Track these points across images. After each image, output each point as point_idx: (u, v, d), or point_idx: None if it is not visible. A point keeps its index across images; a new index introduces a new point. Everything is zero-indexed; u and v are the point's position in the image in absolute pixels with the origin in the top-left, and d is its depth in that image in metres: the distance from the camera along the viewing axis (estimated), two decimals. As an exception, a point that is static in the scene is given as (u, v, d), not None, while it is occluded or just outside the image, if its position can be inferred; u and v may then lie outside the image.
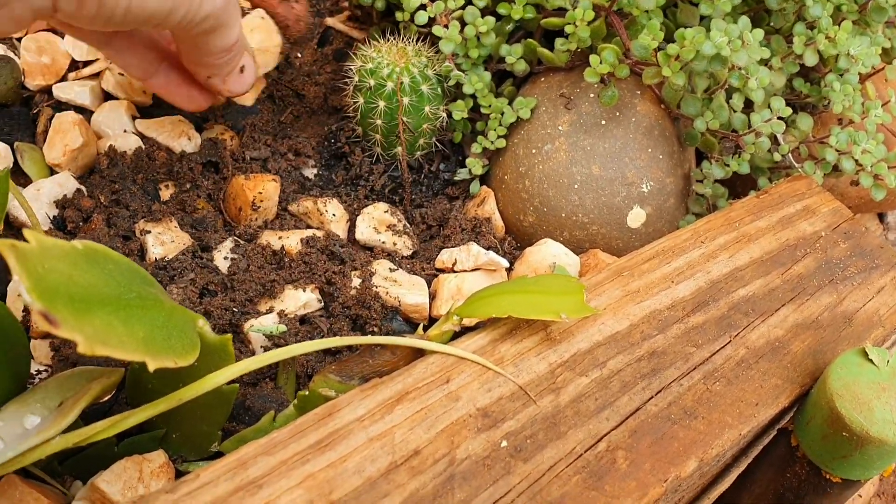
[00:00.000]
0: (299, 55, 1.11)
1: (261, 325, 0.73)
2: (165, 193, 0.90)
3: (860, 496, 1.16)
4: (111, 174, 0.90)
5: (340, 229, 0.91)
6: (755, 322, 0.70)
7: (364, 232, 0.89)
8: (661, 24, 0.83)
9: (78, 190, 0.88)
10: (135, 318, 0.54)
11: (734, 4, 0.79)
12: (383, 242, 0.89)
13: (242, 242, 0.86)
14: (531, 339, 0.64)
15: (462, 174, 0.94)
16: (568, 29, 0.82)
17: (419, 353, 0.63)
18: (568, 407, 0.61)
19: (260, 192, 0.87)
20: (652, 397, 0.63)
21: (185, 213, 0.88)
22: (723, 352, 0.68)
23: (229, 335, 0.60)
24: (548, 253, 0.83)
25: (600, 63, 0.79)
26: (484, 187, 0.93)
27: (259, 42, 1.05)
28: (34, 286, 0.47)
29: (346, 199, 0.95)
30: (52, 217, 0.86)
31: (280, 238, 0.86)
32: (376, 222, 0.90)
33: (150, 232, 0.83)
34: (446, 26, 0.86)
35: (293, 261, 0.84)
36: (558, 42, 0.85)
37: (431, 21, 0.88)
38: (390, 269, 0.84)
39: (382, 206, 0.91)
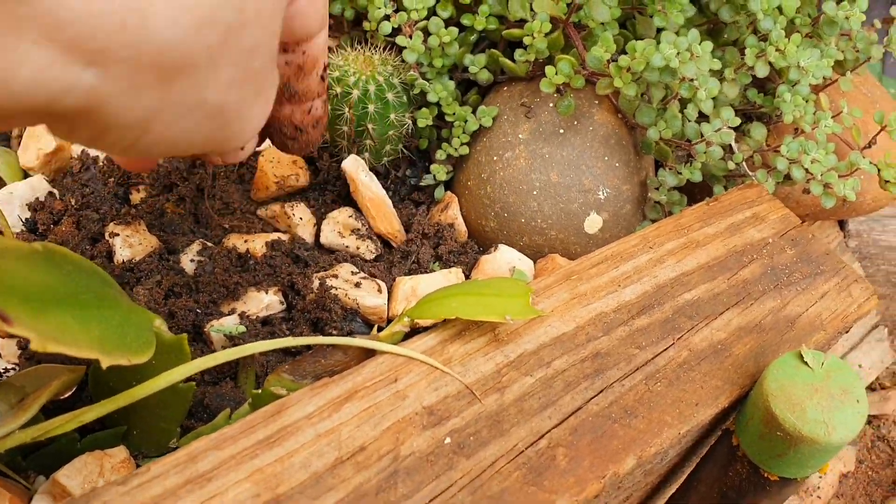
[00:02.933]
0: (273, 62, 1.14)
1: (221, 326, 0.75)
2: (136, 197, 0.92)
3: (819, 498, 1.19)
4: (83, 178, 0.92)
5: (307, 233, 0.93)
6: (699, 325, 0.73)
7: (329, 236, 0.91)
8: (617, 35, 0.85)
9: (50, 193, 0.90)
10: (90, 317, 0.56)
11: (688, 17, 0.82)
12: (347, 247, 0.91)
13: (210, 245, 0.88)
14: (479, 340, 0.66)
15: (427, 180, 0.97)
16: (526, 40, 0.84)
17: (371, 354, 0.65)
18: (512, 405, 0.63)
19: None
20: (594, 397, 0.66)
21: (154, 216, 0.90)
22: (665, 353, 0.70)
23: (185, 335, 0.62)
24: (503, 260, 0.86)
25: (556, 74, 0.81)
26: (448, 193, 0.96)
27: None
28: (-11, 286, 0.49)
29: (314, 204, 0.97)
30: (24, 219, 0.89)
31: (246, 241, 0.88)
32: (341, 227, 0.92)
33: (118, 235, 0.85)
34: (410, 36, 0.88)
35: (258, 263, 0.86)
36: (518, 53, 0.88)
37: (396, 31, 0.90)
38: (352, 272, 0.86)
39: (347, 210, 0.94)
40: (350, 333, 0.80)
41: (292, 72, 0.68)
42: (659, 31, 0.88)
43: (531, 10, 0.89)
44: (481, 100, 0.98)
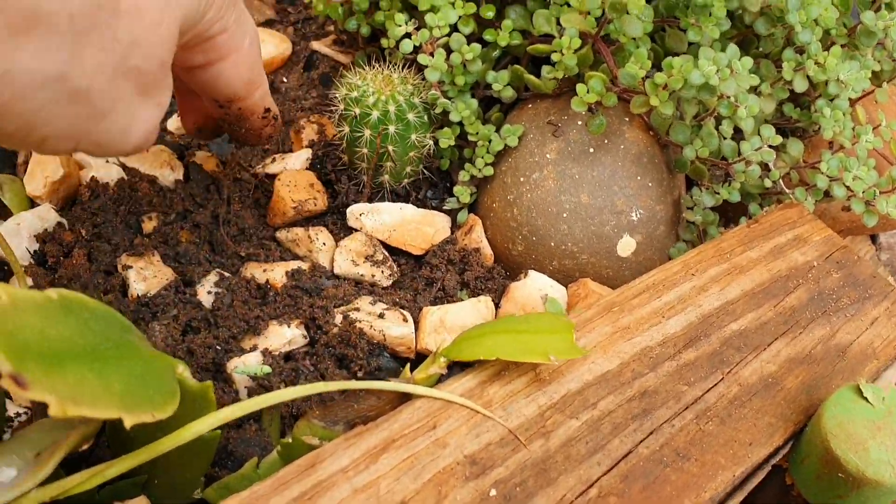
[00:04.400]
0: (285, 80, 1.10)
1: (245, 367, 0.71)
2: (148, 226, 0.88)
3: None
4: (93, 206, 0.89)
5: (327, 259, 0.90)
6: (748, 357, 0.69)
7: (342, 265, 0.88)
8: (648, 50, 0.81)
9: (59, 223, 0.87)
10: (111, 370, 0.52)
11: (722, 31, 0.78)
12: (362, 275, 0.87)
13: (227, 276, 0.85)
14: (520, 381, 0.63)
15: (450, 203, 0.93)
16: (554, 57, 0.81)
17: (406, 396, 0.61)
18: (558, 451, 0.60)
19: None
20: (644, 439, 0.62)
21: (168, 246, 0.86)
22: (715, 389, 0.67)
23: (209, 383, 0.58)
24: (533, 287, 0.82)
25: (587, 92, 0.78)
26: (472, 215, 0.92)
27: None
28: (4, 346, 0.45)
29: (333, 229, 0.93)
30: (32, 251, 0.85)
31: (265, 271, 0.85)
32: (353, 254, 0.88)
33: (131, 267, 0.81)
34: (431, 54, 0.84)
35: (278, 295, 0.82)
36: (545, 70, 0.84)
37: (417, 49, 0.87)
38: (370, 302, 0.82)
39: (359, 236, 0.90)
40: (378, 369, 0.76)
41: (232, 119, 0.78)
42: (690, 44, 0.84)
43: (557, 24, 0.86)
44: (504, 118, 0.95)
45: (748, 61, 0.74)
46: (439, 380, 0.64)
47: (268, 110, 0.81)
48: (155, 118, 0.60)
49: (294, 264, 0.86)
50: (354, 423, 0.61)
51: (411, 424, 0.58)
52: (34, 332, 0.49)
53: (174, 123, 1.01)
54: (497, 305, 0.84)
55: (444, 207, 0.94)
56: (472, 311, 0.80)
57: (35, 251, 0.85)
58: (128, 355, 0.55)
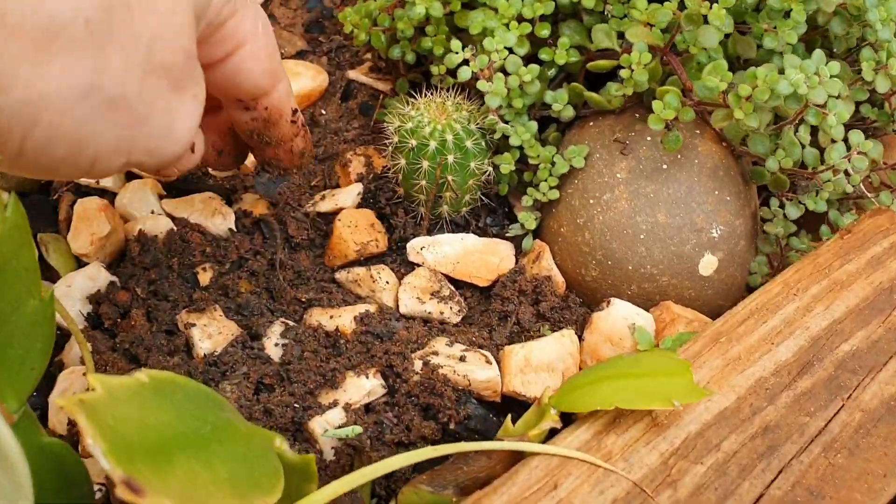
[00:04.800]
0: (324, 112, 1.06)
1: (335, 431, 0.67)
2: (204, 277, 0.84)
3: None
4: (143, 261, 0.85)
5: (391, 299, 0.85)
6: (865, 381, 0.65)
7: (408, 304, 0.84)
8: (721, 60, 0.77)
9: (111, 283, 0.83)
10: (215, 456, 0.48)
11: (800, 34, 0.74)
12: (429, 312, 0.83)
13: (292, 324, 0.81)
14: (637, 427, 0.59)
15: (514, 230, 0.89)
16: (623, 73, 0.77)
17: (518, 454, 0.57)
18: (688, 501, 0.55)
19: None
20: (773, 480, 0.58)
21: (229, 297, 0.82)
22: (837, 418, 0.62)
23: (311, 456, 0.54)
24: (618, 316, 0.78)
25: (664, 108, 0.74)
26: (538, 241, 0.88)
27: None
28: (110, 447, 0.41)
29: (393, 265, 0.89)
30: (86, 314, 0.81)
31: (332, 318, 0.81)
32: (419, 291, 0.84)
33: (194, 325, 0.77)
34: (489, 79, 0.81)
35: (349, 342, 0.78)
36: (612, 87, 0.80)
37: (474, 76, 0.83)
38: (447, 343, 0.78)
39: (423, 272, 0.86)
40: (467, 418, 0.72)
41: (260, 125, 0.74)
42: (758, 47, 0.80)
43: (619, 38, 0.82)
44: (561, 137, 0.91)
45: (835, 66, 0.71)
46: (550, 433, 0.59)
47: (295, 111, 0.77)
48: (195, 112, 0.60)
49: (361, 308, 0.82)
50: (465, 487, 0.57)
51: (531, 486, 0.54)
52: (135, 425, 0.45)
53: (216, 166, 0.97)
54: (580, 338, 0.80)
55: (507, 234, 0.90)
56: (556, 346, 0.76)
57: (89, 313, 0.81)
58: (228, 436, 0.51)
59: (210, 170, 0.98)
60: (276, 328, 0.80)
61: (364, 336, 0.79)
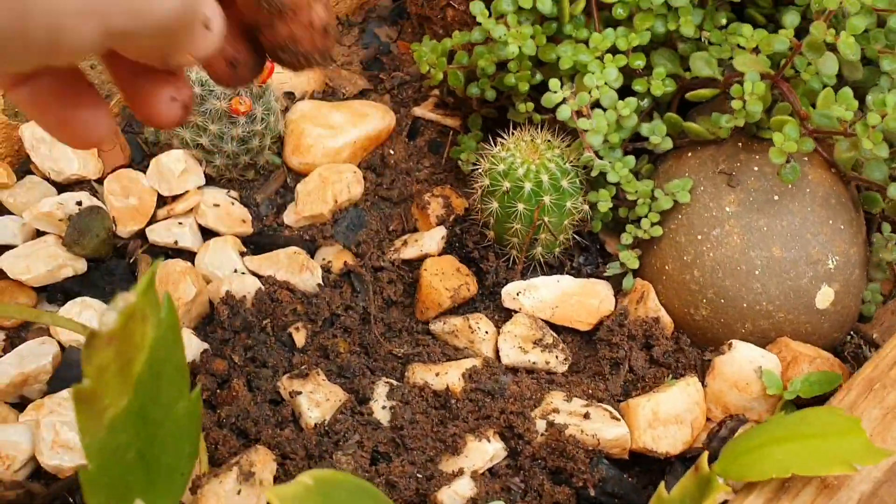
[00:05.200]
0: (392, 152, 1.03)
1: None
2: (300, 338, 0.81)
3: None
4: (234, 324, 0.81)
5: (490, 349, 0.82)
6: None
7: (510, 354, 0.80)
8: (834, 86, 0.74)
9: (204, 350, 0.79)
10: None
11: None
12: (534, 362, 0.80)
13: (396, 384, 0.77)
14: (808, 492, 0.55)
15: (612, 269, 0.85)
16: (735, 104, 0.73)
17: (687, 529, 0.54)
18: (878, 572, 0.52)
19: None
20: (960, 541, 0.54)
21: (329, 359, 0.79)
22: None
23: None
24: (743, 360, 0.75)
25: (785, 140, 0.70)
26: (639, 280, 0.85)
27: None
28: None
29: (487, 312, 0.86)
30: (181, 385, 0.77)
31: (438, 375, 0.77)
32: (520, 340, 0.81)
33: (300, 392, 0.74)
34: (588, 116, 0.77)
35: (459, 401, 0.75)
36: (722, 118, 0.77)
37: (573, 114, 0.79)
38: (564, 398, 0.75)
39: (522, 318, 0.82)
40: (602, 481, 0.68)
41: (277, 7, 0.54)
42: (867, 62, 0.77)
43: (719, 66, 0.78)
44: (654, 169, 0.87)
45: (966, 87, 0.67)
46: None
47: None
48: None
49: (467, 363, 0.78)
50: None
51: (714, 566, 0.51)
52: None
53: (292, 217, 0.94)
54: (703, 384, 0.76)
55: (605, 274, 0.86)
56: (683, 397, 0.73)
57: (184, 384, 0.78)
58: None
59: (286, 214, 0.94)
60: (381, 389, 0.76)
61: (474, 394, 0.75)
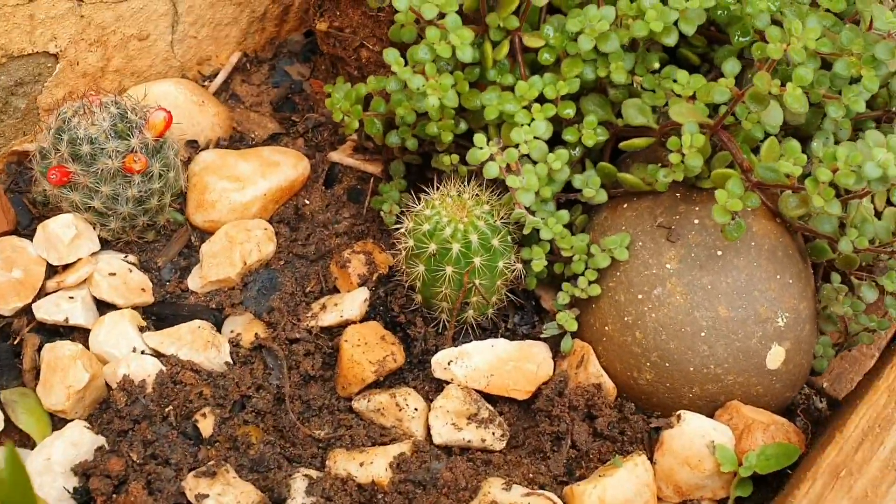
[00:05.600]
0: (307, 202, 0.95)
1: None
2: (206, 426, 0.72)
3: None
4: (132, 413, 0.73)
5: (421, 426, 0.75)
6: None
7: (442, 433, 0.74)
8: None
9: (99, 447, 0.70)
10: None
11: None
12: (469, 441, 0.74)
13: (316, 476, 0.69)
14: None
15: (550, 329, 0.79)
16: (673, 158, 0.68)
17: None
18: None
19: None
20: None
21: (239, 451, 0.71)
22: None
23: None
24: (693, 434, 0.69)
25: (729, 198, 0.65)
26: (578, 342, 0.79)
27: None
28: None
29: (416, 383, 0.79)
30: (72, 490, 0.69)
31: (362, 465, 0.70)
32: (453, 416, 0.74)
33: (207, 496, 0.66)
34: (517, 172, 0.71)
35: (387, 495, 0.68)
36: (660, 172, 0.71)
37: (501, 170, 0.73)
38: (503, 486, 0.68)
39: (454, 391, 0.76)
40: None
41: None
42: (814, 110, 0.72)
43: (653, 113, 0.73)
44: (588, 220, 0.82)
45: (919, 139, 0.63)
46: None
47: None
48: None
49: (395, 449, 0.71)
50: None
51: None
52: None
53: (196, 281, 0.85)
54: (651, 461, 0.70)
55: (542, 336, 0.80)
56: (631, 479, 0.67)
57: (76, 489, 0.69)
58: None
59: (190, 279, 0.85)
60: (300, 484, 0.68)
61: (404, 485, 0.68)
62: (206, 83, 1.03)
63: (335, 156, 0.97)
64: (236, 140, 0.98)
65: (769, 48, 0.62)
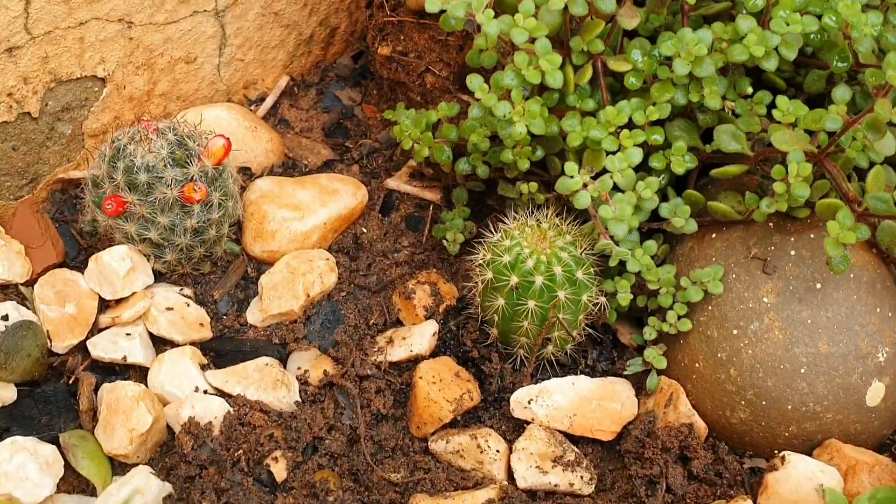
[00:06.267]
0: (364, 230, 0.91)
1: None
2: (279, 471, 0.68)
3: None
4: (200, 457, 0.69)
5: (502, 469, 0.71)
6: None
7: (527, 477, 0.70)
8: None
9: (167, 497, 0.66)
10: None
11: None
12: (555, 485, 0.70)
13: (400, 525, 0.65)
14: None
15: (634, 366, 0.76)
16: (777, 188, 0.65)
17: None
18: None
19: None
20: None
21: (318, 499, 0.67)
22: None
23: None
24: (801, 476, 0.66)
25: (840, 230, 0.62)
26: (664, 379, 0.75)
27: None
28: None
29: (492, 422, 0.75)
30: (141, 542, 0.64)
31: (449, 511, 0.66)
32: (537, 458, 0.70)
33: (291, 551, 0.62)
34: (607, 202, 0.68)
35: (480, 544, 0.64)
36: (763, 203, 0.68)
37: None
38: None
39: (537, 432, 0.72)
40: None
41: None
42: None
43: (747, 139, 0.70)
44: (671, 251, 0.78)
45: None
46: None
47: None
48: None
49: (482, 495, 0.67)
50: None
51: None
52: None
53: (256, 315, 0.81)
54: (756, 505, 0.67)
55: (625, 372, 0.77)
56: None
57: (145, 540, 0.65)
58: None
59: (249, 312, 0.82)
60: (385, 533, 0.64)
61: (497, 534, 0.64)
62: (252, 107, 0.99)
63: (392, 183, 0.94)
64: (289, 167, 0.95)
65: (889, 74, 0.59)
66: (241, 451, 0.69)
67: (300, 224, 0.85)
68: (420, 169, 0.93)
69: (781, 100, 0.67)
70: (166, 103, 0.94)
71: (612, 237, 0.72)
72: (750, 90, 0.72)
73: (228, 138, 0.81)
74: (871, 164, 0.66)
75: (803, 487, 0.65)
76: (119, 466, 0.71)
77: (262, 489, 0.67)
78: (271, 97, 1.00)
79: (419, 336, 0.79)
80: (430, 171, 0.92)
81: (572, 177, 0.67)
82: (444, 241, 0.86)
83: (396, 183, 0.94)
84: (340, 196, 0.89)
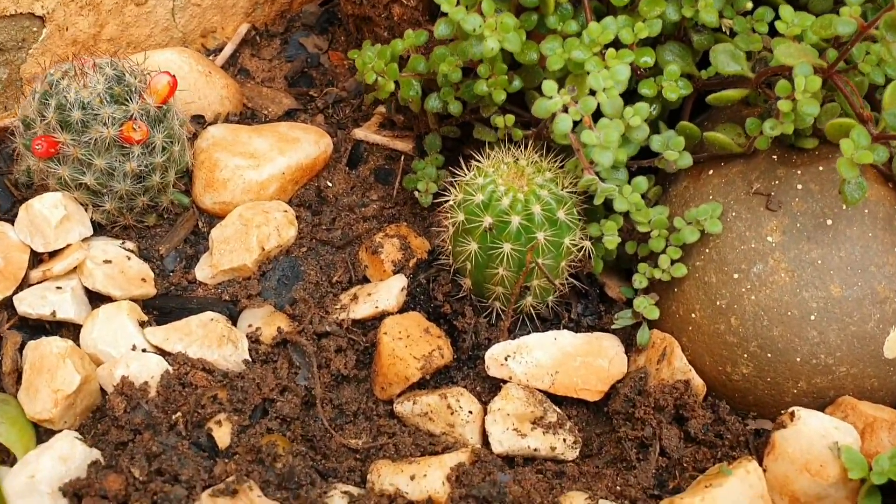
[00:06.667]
0: (330, 184, 0.84)
1: None
2: (222, 436, 0.61)
3: None
4: (133, 421, 0.61)
5: (476, 433, 0.64)
6: None
7: (503, 440, 0.62)
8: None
9: (93, 462, 0.58)
10: None
11: None
12: (535, 449, 0.62)
13: (356, 493, 0.58)
14: None
15: (623, 319, 0.68)
16: (783, 106, 0.57)
17: None
18: None
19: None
20: None
21: (264, 465, 0.59)
22: None
23: None
24: (812, 434, 0.58)
25: (856, 149, 0.54)
26: (657, 332, 0.67)
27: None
28: None
29: (466, 383, 0.67)
30: (61, 514, 0.56)
31: (413, 478, 0.58)
32: (514, 420, 0.63)
33: (228, 520, 0.54)
34: (591, 128, 0.60)
35: (448, 513, 0.56)
36: (767, 125, 0.60)
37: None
38: (587, 502, 0.57)
39: (514, 391, 0.64)
40: None
41: None
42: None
43: (748, 60, 0.62)
44: (662, 191, 0.71)
45: None
46: None
47: None
48: None
49: (451, 459, 0.59)
50: None
51: None
52: None
53: (206, 271, 0.73)
54: (761, 466, 0.59)
55: (613, 326, 0.69)
56: (743, 489, 0.56)
57: (66, 513, 0.57)
58: None
59: (198, 268, 0.74)
60: (338, 502, 0.57)
61: (466, 501, 0.57)
62: (211, 57, 0.92)
63: (360, 133, 0.86)
64: (248, 117, 0.87)
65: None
66: (179, 413, 0.61)
67: (255, 173, 0.77)
68: (390, 116, 0.86)
69: (785, 9, 0.60)
70: (115, 49, 0.87)
71: (597, 173, 0.64)
72: (750, 5, 0.64)
73: (174, 76, 0.73)
74: (887, 81, 0.58)
75: (816, 446, 0.58)
76: (45, 433, 0.63)
77: (200, 454, 0.59)
78: (230, 45, 0.93)
79: (386, 291, 0.71)
80: (400, 118, 0.85)
81: (551, 97, 0.59)
82: (416, 192, 0.79)
83: (364, 133, 0.86)
84: (301, 144, 0.81)
